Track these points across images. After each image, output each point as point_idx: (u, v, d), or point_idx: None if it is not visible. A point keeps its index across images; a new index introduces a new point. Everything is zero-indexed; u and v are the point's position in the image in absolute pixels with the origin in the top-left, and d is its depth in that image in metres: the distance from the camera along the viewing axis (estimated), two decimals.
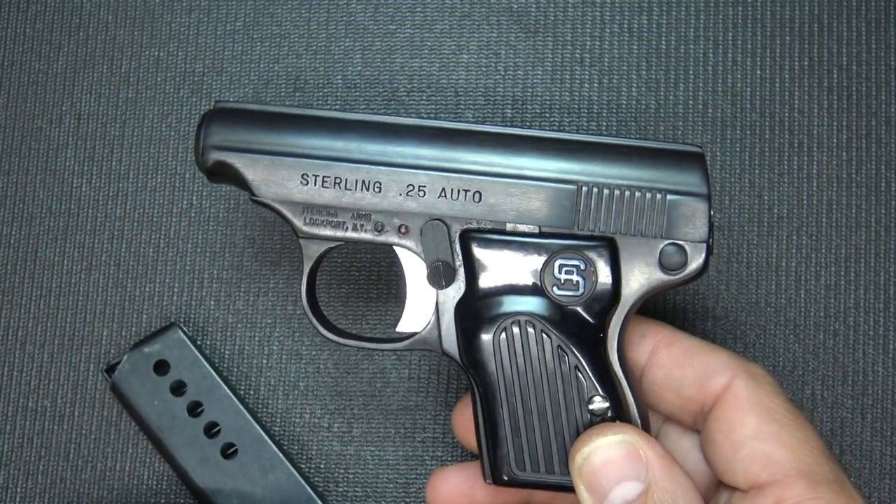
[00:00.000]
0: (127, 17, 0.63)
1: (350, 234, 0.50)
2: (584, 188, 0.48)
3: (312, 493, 0.58)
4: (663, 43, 0.61)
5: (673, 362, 0.49)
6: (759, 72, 0.61)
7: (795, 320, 0.59)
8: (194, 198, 0.61)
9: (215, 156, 0.50)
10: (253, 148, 0.50)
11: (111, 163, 0.62)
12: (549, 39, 0.62)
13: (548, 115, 0.61)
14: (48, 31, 0.63)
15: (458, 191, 0.49)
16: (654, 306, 0.59)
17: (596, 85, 0.61)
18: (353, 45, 0.62)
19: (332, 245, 0.50)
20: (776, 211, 0.60)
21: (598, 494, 0.44)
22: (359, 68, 0.62)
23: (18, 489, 0.60)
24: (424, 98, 0.61)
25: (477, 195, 0.49)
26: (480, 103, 0.61)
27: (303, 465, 0.60)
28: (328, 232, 0.50)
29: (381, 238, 0.49)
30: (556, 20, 0.62)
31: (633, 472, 0.43)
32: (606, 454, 0.44)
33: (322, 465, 0.60)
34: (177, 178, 0.62)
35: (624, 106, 0.61)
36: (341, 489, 0.60)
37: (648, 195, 0.48)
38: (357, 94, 0.61)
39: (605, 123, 0.61)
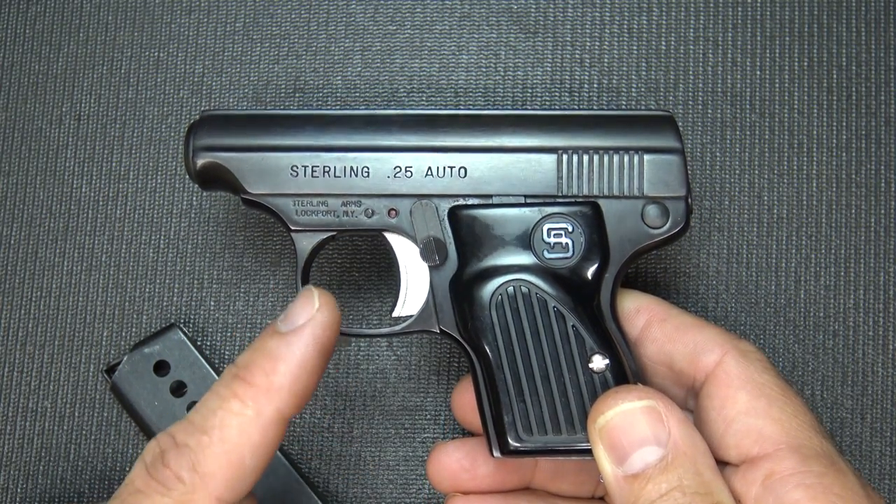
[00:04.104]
0: (127, 18, 0.63)
1: (341, 221, 0.51)
2: (565, 155, 0.50)
3: (312, 494, 0.58)
4: (663, 43, 0.61)
5: (665, 337, 0.50)
6: (758, 72, 0.61)
7: (795, 321, 0.59)
8: (194, 198, 0.62)
9: (205, 158, 0.52)
10: (241, 147, 0.51)
11: (111, 164, 0.62)
12: (548, 40, 0.62)
13: None
14: (48, 32, 0.63)
15: (444, 168, 0.51)
16: None
17: (595, 86, 0.61)
18: (353, 45, 0.62)
19: (325, 236, 0.51)
20: (776, 211, 0.60)
21: (619, 457, 0.44)
22: (358, 69, 0.62)
23: (19, 490, 0.60)
24: (424, 99, 0.61)
25: (462, 170, 0.51)
26: (480, 104, 0.61)
27: (303, 466, 0.60)
28: (319, 221, 0.51)
29: (372, 223, 0.51)
30: (555, 21, 0.62)
31: (654, 436, 0.44)
32: (630, 418, 0.44)
33: (322, 465, 0.60)
34: (177, 178, 0.62)
35: (624, 106, 0.61)
36: (341, 489, 0.60)
37: (626, 157, 0.50)
38: (357, 94, 0.62)
39: None
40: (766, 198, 0.60)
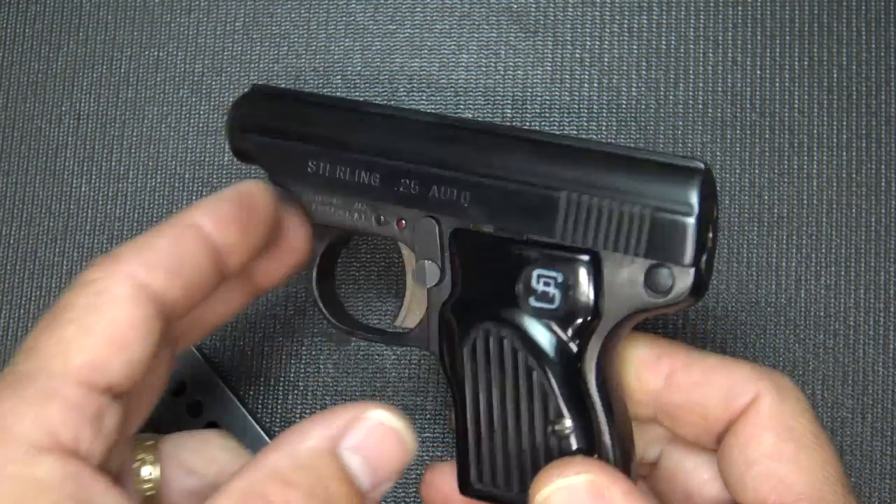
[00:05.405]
0: (126, 17, 0.63)
1: (354, 223, 0.49)
2: (566, 196, 0.44)
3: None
4: (663, 43, 0.61)
5: (692, 385, 0.46)
6: (759, 72, 0.61)
7: (795, 320, 0.59)
8: (194, 198, 0.61)
9: (238, 137, 0.51)
10: (268, 131, 0.50)
11: (110, 163, 0.62)
12: (548, 39, 0.62)
13: (547, 115, 0.61)
14: (48, 32, 0.63)
15: (448, 189, 0.47)
16: None
17: (596, 85, 0.61)
18: (353, 45, 0.62)
19: (340, 234, 0.50)
20: (776, 211, 0.60)
21: None
22: (358, 68, 0.62)
23: None
24: (424, 98, 0.61)
25: (465, 195, 0.46)
26: (480, 103, 0.61)
27: None
28: (335, 219, 0.49)
29: (381, 230, 0.49)
30: (556, 20, 0.62)
31: None
32: (568, 494, 0.41)
33: None
34: (176, 178, 0.62)
35: (624, 106, 0.61)
36: None
37: (635, 209, 0.43)
38: (357, 94, 0.61)
39: (604, 123, 0.61)
40: (766, 197, 0.60)
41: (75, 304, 0.40)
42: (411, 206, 0.47)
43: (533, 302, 0.45)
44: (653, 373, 0.47)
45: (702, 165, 0.43)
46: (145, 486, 0.45)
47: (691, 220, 0.43)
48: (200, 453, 0.47)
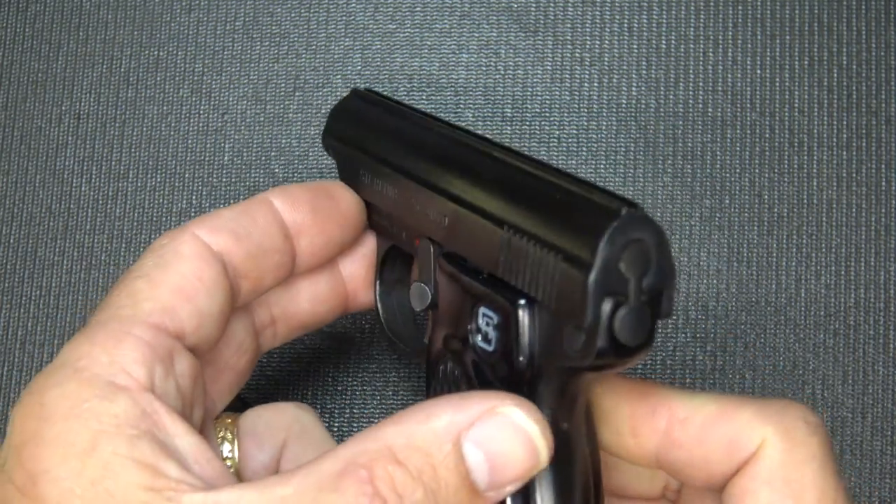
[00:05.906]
0: (126, 16, 0.63)
1: (393, 235, 0.49)
2: (505, 233, 0.39)
3: None
4: (663, 42, 0.61)
5: (692, 440, 0.40)
6: (759, 71, 0.61)
7: (795, 320, 0.59)
8: (193, 197, 0.61)
9: (326, 139, 0.53)
10: (340, 137, 0.51)
11: (110, 162, 0.62)
12: (549, 39, 0.62)
13: (547, 114, 0.61)
14: (47, 31, 0.63)
15: (437, 212, 0.44)
16: None
17: (596, 84, 0.61)
18: (353, 44, 0.62)
19: (388, 246, 0.50)
20: (776, 210, 0.60)
21: None
22: (358, 68, 0.62)
23: None
24: (424, 98, 0.61)
25: (446, 220, 0.43)
26: (480, 103, 0.61)
27: None
28: (381, 229, 0.50)
29: (406, 245, 0.48)
30: (555, 19, 0.62)
31: None
32: None
33: None
34: (176, 177, 0.62)
35: (624, 105, 0.61)
36: None
37: (549, 256, 0.37)
38: None
39: (604, 123, 0.61)
40: (766, 196, 0.60)
41: (144, 264, 0.41)
42: (415, 226, 0.46)
43: (478, 341, 0.41)
44: (649, 428, 0.41)
45: (623, 209, 0.35)
46: (227, 464, 0.45)
47: (589, 276, 0.35)
48: (273, 425, 0.47)
